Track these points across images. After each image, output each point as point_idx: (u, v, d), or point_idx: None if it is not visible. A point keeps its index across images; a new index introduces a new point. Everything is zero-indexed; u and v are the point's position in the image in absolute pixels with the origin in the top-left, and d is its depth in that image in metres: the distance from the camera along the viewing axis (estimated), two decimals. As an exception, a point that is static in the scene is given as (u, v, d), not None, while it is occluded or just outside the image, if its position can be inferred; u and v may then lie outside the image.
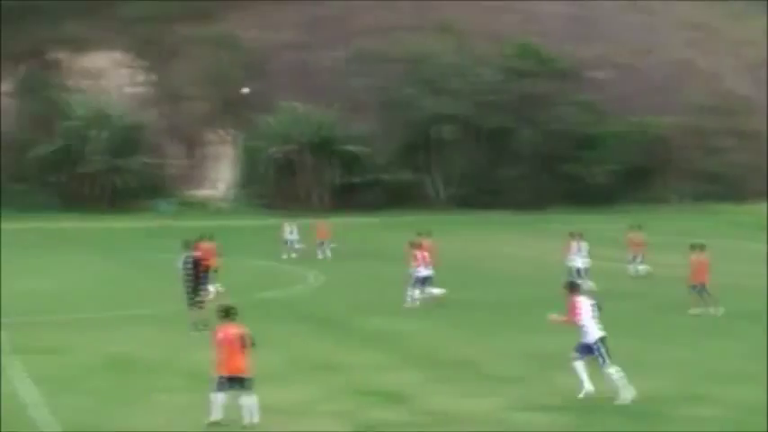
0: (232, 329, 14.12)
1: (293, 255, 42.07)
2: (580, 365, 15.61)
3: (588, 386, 15.53)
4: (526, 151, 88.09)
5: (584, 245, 30.77)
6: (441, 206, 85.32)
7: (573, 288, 16.28)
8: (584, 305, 15.79)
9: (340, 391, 16.32)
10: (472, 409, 15.18)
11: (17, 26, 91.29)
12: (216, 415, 14.01)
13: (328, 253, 42.31)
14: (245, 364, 13.99)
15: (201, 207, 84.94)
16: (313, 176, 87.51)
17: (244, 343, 13.99)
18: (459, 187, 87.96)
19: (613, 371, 15.39)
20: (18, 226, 66.27)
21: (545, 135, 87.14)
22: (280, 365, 18.37)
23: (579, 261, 30.07)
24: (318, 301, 28.62)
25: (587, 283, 29.17)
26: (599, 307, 15.91)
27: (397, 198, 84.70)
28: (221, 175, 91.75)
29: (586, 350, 15.61)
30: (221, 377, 13.94)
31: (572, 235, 30.95)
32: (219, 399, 13.98)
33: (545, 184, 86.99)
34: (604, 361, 15.47)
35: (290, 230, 43.56)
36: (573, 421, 14.58)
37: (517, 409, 15.14)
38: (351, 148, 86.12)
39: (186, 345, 20.16)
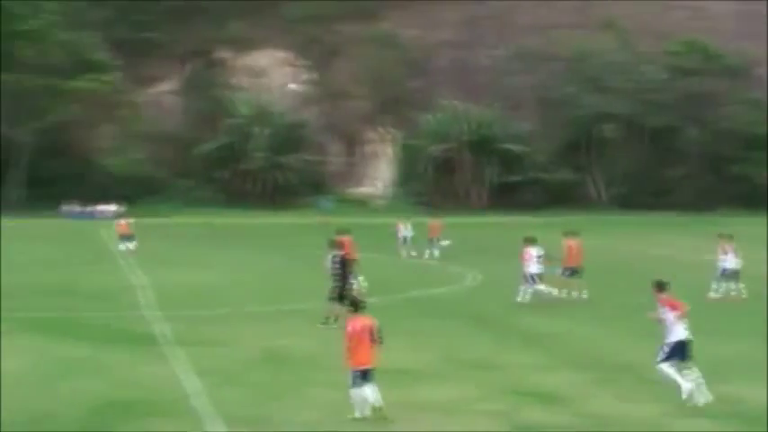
0: (361, 322, 14.29)
1: (412, 252, 42.47)
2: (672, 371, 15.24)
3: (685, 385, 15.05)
4: (692, 151, 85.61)
5: (734, 247, 29.75)
6: (602, 206, 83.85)
7: (661, 287, 15.92)
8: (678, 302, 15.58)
9: (496, 391, 16.13)
10: (633, 413, 14.76)
11: (184, 26, 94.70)
12: (362, 411, 14.18)
13: (436, 252, 42.23)
14: (372, 356, 14.12)
15: (360, 204, 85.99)
16: (471, 175, 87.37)
17: (373, 336, 14.14)
18: (621, 187, 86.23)
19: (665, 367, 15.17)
20: (183, 220, 68.77)
21: (712, 135, 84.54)
22: (435, 363, 18.32)
23: (729, 262, 29.08)
24: (475, 299, 28.44)
25: (736, 285, 28.38)
26: None
27: (557, 197, 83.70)
28: (380, 173, 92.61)
29: (678, 350, 15.24)
30: (355, 372, 14.11)
31: (722, 236, 29.97)
32: (359, 394, 14.14)
33: (711, 184, 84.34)
34: (663, 360, 15.24)
35: (406, 228, 44.13)
36: (738, 429, 14.00)
37: (680, 415, 14.62)
38: (510, 146, 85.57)
39: (341, 339, 20.35)
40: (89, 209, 79.96)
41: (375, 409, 14.05)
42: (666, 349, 15.23)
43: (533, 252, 26.78)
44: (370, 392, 14.05)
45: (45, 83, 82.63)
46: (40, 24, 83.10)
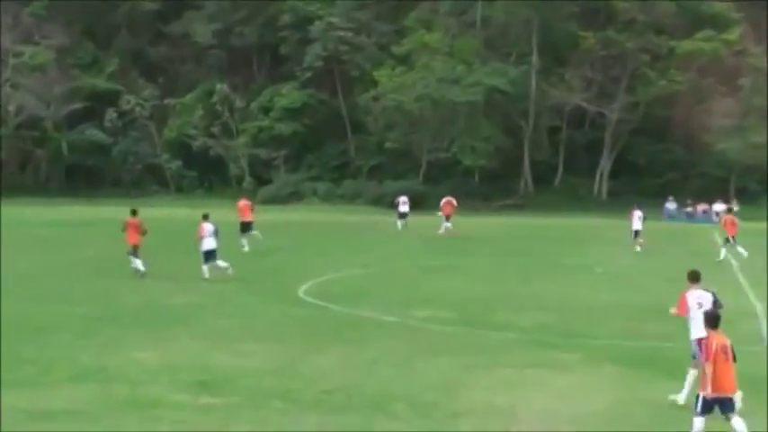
0: (722, 340, 15.32)
1: None
2: None
3: None
4: None
5: None
6: None
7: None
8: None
9: None
10: None
11: None
12: None
13: None
14: (734, 380, 15.26)
15: None
16: None
17: (732, 357, 15.27)
18: None
19: None
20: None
21: None
22: None
23: None
24: None
25: None
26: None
27: None
28: None
29: None
30: (706, 398, 15.14)
31: None
32: (699, 424, 15.22)
33: None
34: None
35: None
36: None
37: None
38: None
39: None
40: (700, 208, 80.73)
41: None
42: None
43: None
44: (740, 427, 15.12)
45: (645, 45, 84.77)
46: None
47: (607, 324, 28.26)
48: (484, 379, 20.92)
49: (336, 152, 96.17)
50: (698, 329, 18.00)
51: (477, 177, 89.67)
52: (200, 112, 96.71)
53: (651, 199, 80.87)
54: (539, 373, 21.54)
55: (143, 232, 37.37)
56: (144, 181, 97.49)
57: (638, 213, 52.33)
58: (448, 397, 19.28)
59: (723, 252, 46.81)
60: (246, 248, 47.10)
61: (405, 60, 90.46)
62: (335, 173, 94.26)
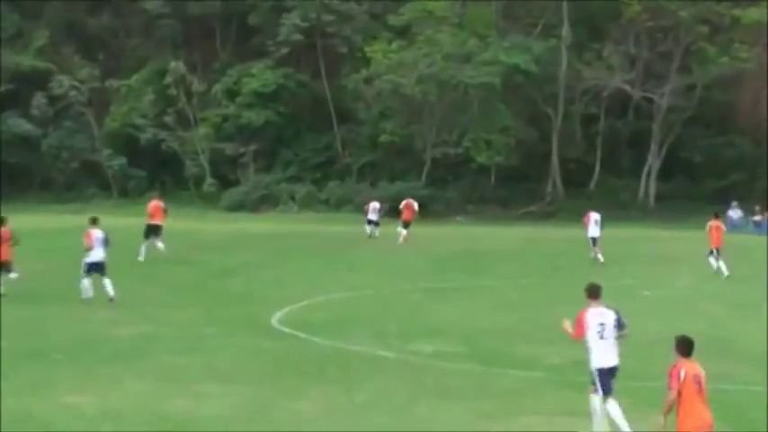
0: (695, 369, 16.11)
1: None
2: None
3: None
4: None
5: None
6: None
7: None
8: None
9: None
10: None
11: None
12: None
13: None
14: (710, 417, 16.02)
15: None
16: None
17: (704, 389, 16.09)
18: None
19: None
20: None
21: None
22: None
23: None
24: None
25: None
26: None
27: None
28: None
29: None
30: None
31: None
32: None
33: None
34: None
35: None
36: None
37: None
38: None
39: None
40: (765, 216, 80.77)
41: None
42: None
43: None
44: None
45: (703, 14, 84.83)
46: None
47: (655, 361, 28.04)
48: (503, 429, 20.90)
49: (319, 147, 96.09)
50: (600, 357, 19.60)
51: (493, 178, 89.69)
52: (149, 96, 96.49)
53: (710, 204, 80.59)
54: (571, 421, 21.50)
55: (14, 244, 38.91)
56: (80, 182, 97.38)
57: (594, 217, 54.26)
58: (458, 451, 19.29)
59: (715, 263, 48.34)
60: (142, 258, 49.71)
61: (404, 33, 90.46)
62: (318, 172, 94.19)
